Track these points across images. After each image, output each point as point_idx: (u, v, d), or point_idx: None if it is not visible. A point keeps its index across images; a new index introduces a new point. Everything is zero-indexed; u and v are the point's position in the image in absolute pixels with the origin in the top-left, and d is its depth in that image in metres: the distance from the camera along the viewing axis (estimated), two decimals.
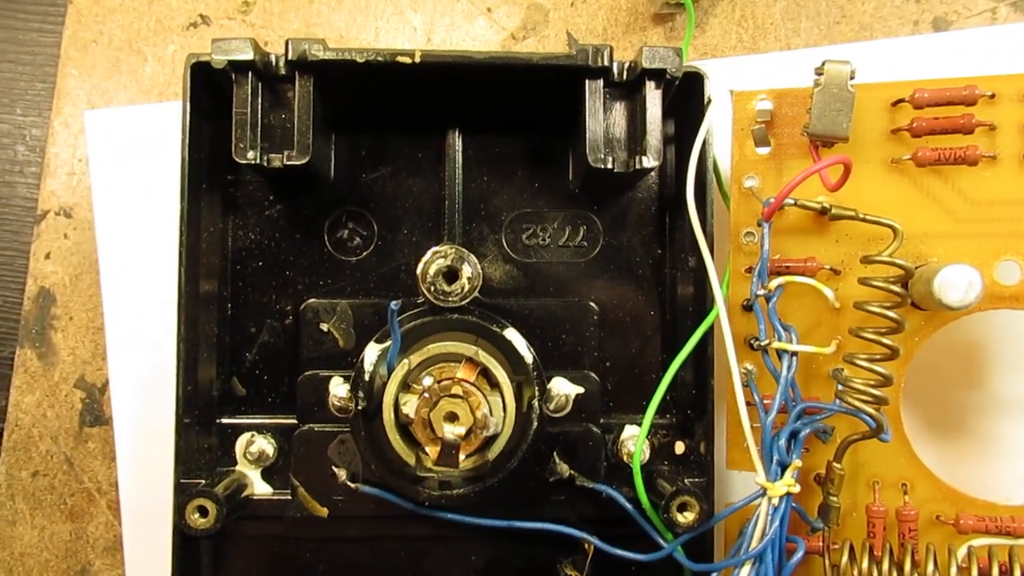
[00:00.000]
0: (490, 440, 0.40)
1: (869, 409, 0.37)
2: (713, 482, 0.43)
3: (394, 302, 0.38)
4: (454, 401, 0.37)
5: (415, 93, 0.44)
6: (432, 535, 0.45)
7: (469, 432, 0.37)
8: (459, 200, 0.46)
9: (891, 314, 0.38)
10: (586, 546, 0.44)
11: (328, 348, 0.44)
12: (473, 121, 0.46)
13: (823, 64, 0.39)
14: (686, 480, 0.42)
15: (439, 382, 0.38)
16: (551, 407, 0.44)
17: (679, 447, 0.45)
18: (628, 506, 0.42)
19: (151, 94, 0.54)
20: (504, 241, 0.46)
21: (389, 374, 0.40)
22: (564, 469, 0.43)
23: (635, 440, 0.44)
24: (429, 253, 0.40)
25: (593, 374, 0.45)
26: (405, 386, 0.39)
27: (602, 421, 0.45)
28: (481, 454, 0.40)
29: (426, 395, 0.37)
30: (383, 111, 0.46)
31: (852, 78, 0.39)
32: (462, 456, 0.37)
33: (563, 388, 0.44)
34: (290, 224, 0.46)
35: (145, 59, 0.54)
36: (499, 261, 0.46)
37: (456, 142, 0.46)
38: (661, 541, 0.42)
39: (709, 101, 0.42)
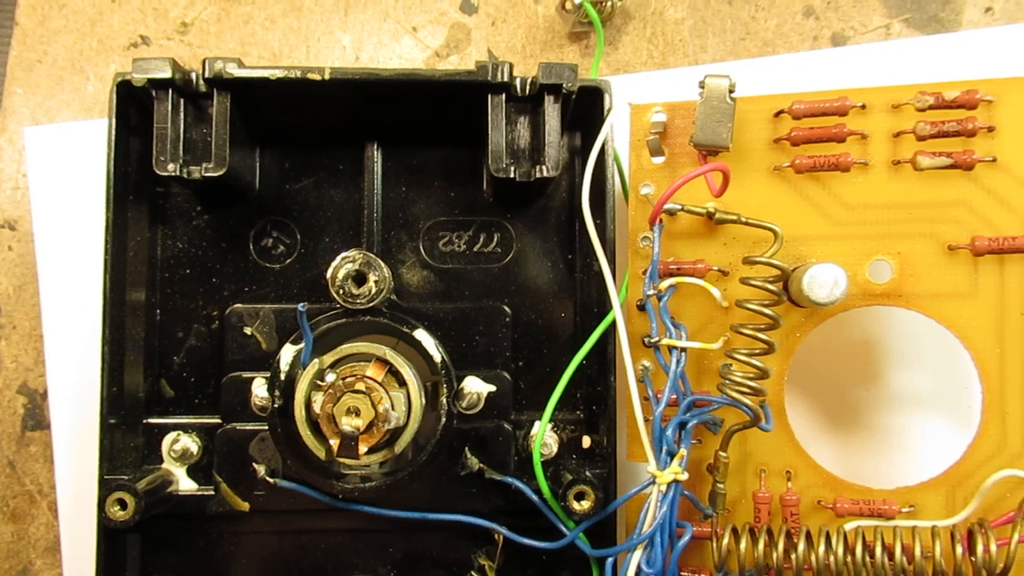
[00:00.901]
0: (396, 434, 0.42)
1: (746, 400, 0.39)
2: (614, 473, 0.45)
3: (302, 304, 0.40)
4: (356, 396, 0.39)
5: (335, 108, 0.47)
6: (351, 528, 0.47)
7: (371, 425, 0.39)
8: (378, 210, 0.48)
9: (768, 311, 0.40)
10: (496, 536, 0.46)
11: (251, 351, 0.47)
12: (392, 134, 0.48)
13: (704, 79, 0.41)
14: (588, 472, 0.45)
15: (343, 379, 0.40)
16: (464, 404, 0.46)
17: (586, 441, 0.47)
18: (534, 497, 0.44)
19: (93, 112, 0.56)
20: (422, 248, 0.49)
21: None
22: (474, 463, 0.46)
23: (545, 435, 0.47)
24: (339, 258, 0.42)
25: (506, 374, 0.47)
26: (317, 385, 0.41)
27: (513, 417, 0.47)
28: (389, 448, 0.42)
29: (330, 391, 0.40)
30: (306, 126, 0.48)
31: (732, 91, 0.41)
32: (364, 448, 0.39)
33: (475, 386, 0.47)
34: (217, 233, 0.48)
35: (87, 78, 0.56)
36: (417, 267, 0.49)
37: (375, 154, 0.48)
38: (564, 529, 0.44)
39: (610, 110, 0.45)
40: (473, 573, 0.47)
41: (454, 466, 0.46)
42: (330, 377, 0.40)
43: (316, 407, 0.40)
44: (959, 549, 0.36)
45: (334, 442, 0.39)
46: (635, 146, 0.45)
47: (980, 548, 0.36)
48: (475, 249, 0.49)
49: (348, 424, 0.38)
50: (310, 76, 0.42)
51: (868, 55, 0.52)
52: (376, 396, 0.40)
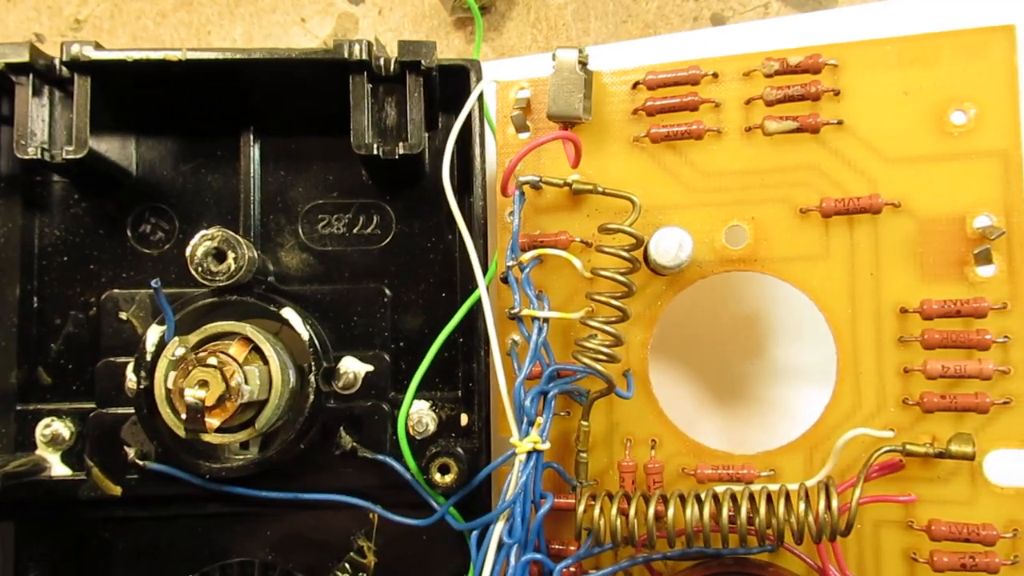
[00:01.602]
0: (258, 411, 0.42)
1: (599, 367, 0.40)
2: (485, 447, 0.45)
3: (155, 280, 0.40)
4: (206, 370, 0.39)
5: (210, 95, 0.47)
6: (227, 512, 0.47)
7: (223, 399, 0.39)
8: (256, 194, 0.49)
9: (621, 278, 0.40)
10: (371, 515, 0.46)
11: (127, 336, 0.47)
12: (270, 120, 0.49)
13: (555, 52, 0.42)
14: (460, 447, 0.45)
15: (195, 354, 0.40)
16: (340, 384, 0.46)
17: (464, 419, 0.47)
18: (406, 474, 0.44)
19: None
20: (301, 231, 0.49)
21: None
22: (347, 441, 0.45)
23: (422, 413, 0.47)
24: (197, 237, 0.42)
25: (385, 354, 0.47)
26: (176, 363, 0.41)
27: (392, 396, 0.47)
28: (252, 427, 0.42)
29: (182, 366, 0.40)
30: (183, 113, 0.48)
31: (584, 63, 0.42)
32: (216, 423, 0.39)
33: (352, 366, 0.47)
34: (95, 220, 0.48)
35: None
36: (296, 250, 0.49)
37: (251, 140, 0.49)
38: (435, 504, 0.44)
39: (480, 82, 0.45)
40: (352, 555, 0.47)
41: (329, 446, 0.46)
42: (180, 351, 0.40)
43: (170, 383, 0.40)
44: (802, 507, 0.36)
45: (185, 416, 0.39)
46: (501, 122, 0.46)
47: (822, 506, 0.36)
48: (354, 231, 0.49)
49: (191, 396, 0.38)
50: (168, 57, 0.43)
51: (747, 33, 0.53)
52: (228, 370, 0.40)
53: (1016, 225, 0.38)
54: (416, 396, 0.47)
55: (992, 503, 0.38)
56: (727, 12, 0.54)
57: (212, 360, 0.40)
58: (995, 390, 0.38)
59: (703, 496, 0.38)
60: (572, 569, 0.42)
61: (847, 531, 0.36)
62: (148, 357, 0.43)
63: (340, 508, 0.45)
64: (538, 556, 0.40)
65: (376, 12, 0.56)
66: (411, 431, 0.46)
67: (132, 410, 0.45)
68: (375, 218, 0.49)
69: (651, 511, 0.38)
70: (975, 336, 0.38)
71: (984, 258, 0.38)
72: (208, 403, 0.39)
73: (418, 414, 0.47)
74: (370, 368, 0.47)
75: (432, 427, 0.47)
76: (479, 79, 0.46)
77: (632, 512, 0.38)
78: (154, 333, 0.43)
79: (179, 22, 0.57)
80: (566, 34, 0.54)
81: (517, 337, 0.45)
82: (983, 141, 0.39)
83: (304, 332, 0.44)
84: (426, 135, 0.48)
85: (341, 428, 0.46)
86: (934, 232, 0.39)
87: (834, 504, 0.36)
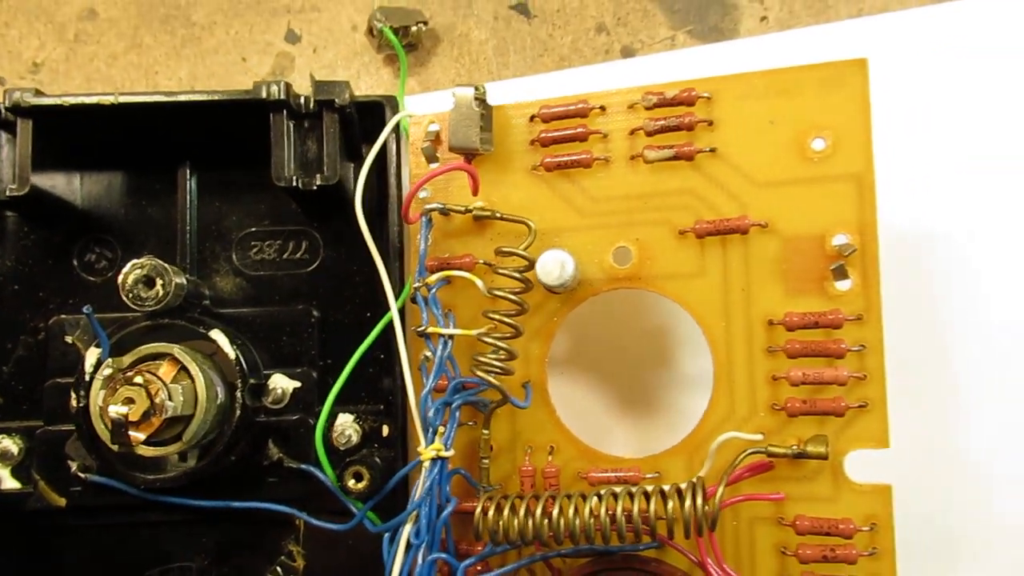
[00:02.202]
0: (186, 425, 0.45)
1: (491, 379, 0.43)
2: (401, 455, 0.48)
3: (87, 307, 0.44)
4: (132, 388, 0.43)
5: (148, 132, 0.51)
6: (166, 520, 0.50)
7: (148, 415, 0.43)
8: (193, 224, 0.52)
9: (513, 297, 0.44)
10: (297, 522, 0.50)
11: (73, 358, 0.50)
12: (204, 154, 0.52)
13: (454, 91, 0.46)
14: (377, 457, 0.48)
15: (124, 373, 0.44)
16: (270, 400, 0.50)
17: (385, 430, 0.51)
18: (328, 482, 0.48)
19: None
20: (234, 258, 0.53)
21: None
22: (274, 453, 0.49)
23: (346, 426, 0.50)
24: (128, 265, 0.46)
25: (312, 371, 0.51)
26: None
27: (318, 410, 0.50)
28: (180, 441, 0.45)
29: (111, 385, 0.43)
30: (124, 149, 0.52)
31: (481, 99, 0.46)
32: (142, 436, 0.43)
33: (281, 383, 0.50)
34: (43, 251, 0.52)
35: None
36: (230, 275, 0.53)
37: (188, 173, 0.52)
38: (354, 510, 0.47)
39: (395, 115, 0.49)
40: (283, 558, 0.51)
41: (260, 457, 0.49)
42: (107, 372, 0.43)
43: (101, 401, 0.44)
44: (671, 505, 0.40)
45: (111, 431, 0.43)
46: (414, 154, 0.49)
47: (688, 504, 0.39)
48: (284, 256, 0.53)
49: (114, 412, 0.42)
50: (101, 101, 0.47)
51: (655, 64, 0.57)
52: (153, 388, 0.43)
53: (869, 243, 0.41)
54: (342, 410, 0.51)
55: (852, 499, 0.41)
56: (636, 44, 0.57)
57: (138, 379, 0.43)
58: (852, 395, 0.41)
59: (587, 496, 0.41)
60: (478, 568, 0.46)
61: (713, 526, 0.39)
62: (87, 377, 0.46)
63: (272, 515, 0.49)
64: (443, 555, 0.43)
65: (311, 51, 0.60)
66: (335, 442, 0.50)
67: (72, 427, 0.49)
68: (304, 244, 0.53)
69: (539, 511, 0.41)
70: (833, 345, 0.41)
71: (840, 273, 0.41)
72: (132, 418, 0.42)
73: (342, 426, 0.50)
74: (298, 384, 0.50)
75: (355, 438, 0.50)
76: (395, 113, 0.50)
77: (522, 512, 0.41)
78: (92, 355, 0.47)
79: (129, 64, 0.61)
80: (487, 68, 0.58)
81: (428, 353, 0.48)
82: (840, 166, 0.42)
83: (231, 352, 0.48)
84: (352, 165, 0.52)
85: (270, 440, 0.50)
86: (797, 250, 0.43)
87: (699, 501, 0.39)
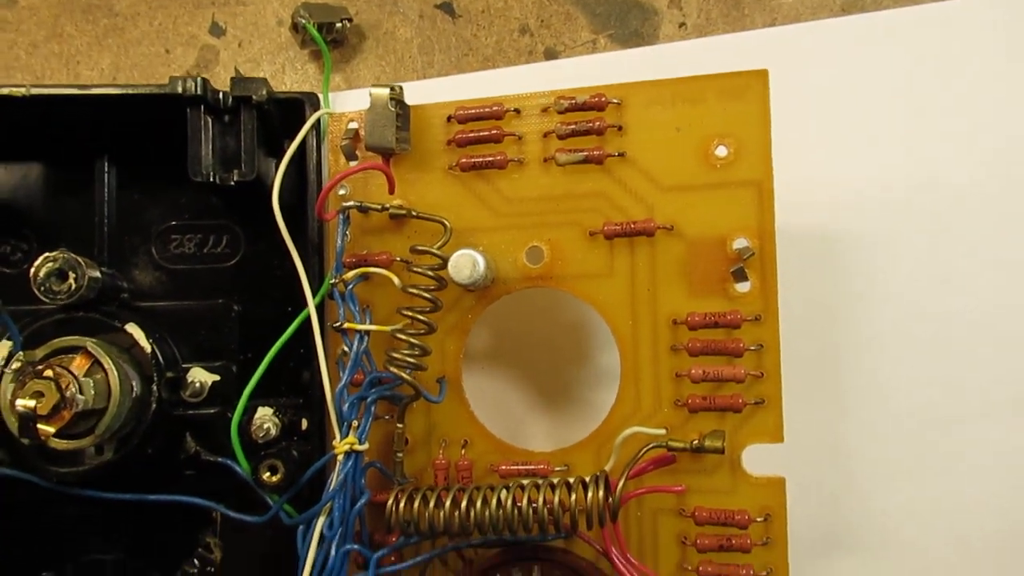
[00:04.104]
0: (99, 419, 0.45)
1: (404, 374, 0.44)
2: (319, 449, 0.49)
3: None
4: (41, 382, 0.43)
5: (65, 125, 0.51)
6: (82, 515, 0.51)
7: (58, 407, 0.43)
8: (111, 217, 0.52)
9: (425, 295, 0.45)
10: (214, 515, 0.50)
11: None
12: (123, 147, 0.52)
13: (370, 90, 0.46)
14: (295, 450, 0.49)
15: (34, 367, 0.43)
16: (188, 393, 0.50)
17: (304, 423, 0.51)
18: (244, 474, 0.48)
19: None
20: (154, 251, 0.53)
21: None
22: (191, 446, 0.49)
23: (265, 419, 0.51)
24: (40, 258, 0.46)
25: (232, 364, 0.51)
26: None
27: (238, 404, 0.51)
28: (93, 434, 0.46)
29: (20, 379, 0.43)
30: (40, 141, 0.52)
31: (397, 99, 0.46)
32: (51, 429, 0.43)
33: (200, 376, 0.51)
34: None
35: None
36: (150, 269, 0.53)
37: (106, 167, 0.52)
38: (270, 502, 0.48)
39: (315, 113, 0.49)
40: (200, 550, 0.51)
41: (176, 450, 0.50)
42: (15, 365, 0.43)
43: (9, 395, 0.43)
44: (573, 497, 0.41)
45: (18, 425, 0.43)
46: (333, 151, 0.50)
47: (591, 495, 0.41)
48: (205, 251, 0.53)
49: (21, 406, 0.42)
50: (12, 93, 0.46)
51: (576, 67, 0.58)
52: (64, 381, 0.43)
53: (767, 247, 0.43)
54: (262, 403, 0.51)
55: (749, 491, 0.43)
56: (559, 47, 0.58)
57: (48, 372, 0.43)
58: (750, 392, 0.43)
59: (496, 488, 0.42)
60: (392, 558, 0.47)
61: (614, 517, 0.41)
62: None
63: (190, 508, 0.49)
64: (355, 547, 0.44)
65: (236, 44, 0.60)
66: (253, 435, 0.50)
67: None
68: (224, 238, 0.53)
69: (449, 502, 0.42)
70: (732, 344, 0.43)
71: (740, 276, 0.43)
72: (42, 412, 0.42)
73: (261, 419, 0.50)
74: (217, 378, 0.51)
75: (274, 432, 0.51)
76: (315, 110, 0.51)
77: (432, 504, 0.43)
78: (3, 348, 0.47)
79: (50, 53, 0.60)
80: (412, 66, 0.59)
81: (345, 348, 0.49)
82: (741, 172, 0.44)
83: (147, 345, 0.48)
84: (273, 161, 0.53)
85: (187, 434, 0.50)
86: (700, 253, 0.44)
87: (601, 493, 0.41)
